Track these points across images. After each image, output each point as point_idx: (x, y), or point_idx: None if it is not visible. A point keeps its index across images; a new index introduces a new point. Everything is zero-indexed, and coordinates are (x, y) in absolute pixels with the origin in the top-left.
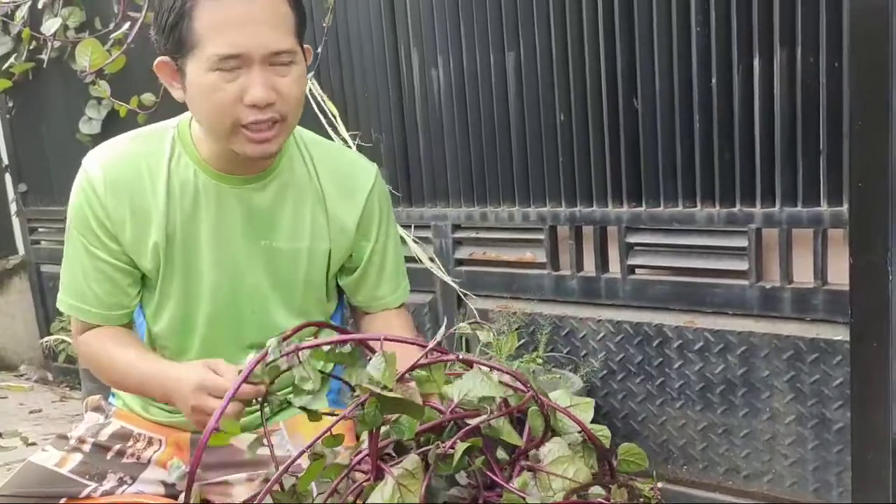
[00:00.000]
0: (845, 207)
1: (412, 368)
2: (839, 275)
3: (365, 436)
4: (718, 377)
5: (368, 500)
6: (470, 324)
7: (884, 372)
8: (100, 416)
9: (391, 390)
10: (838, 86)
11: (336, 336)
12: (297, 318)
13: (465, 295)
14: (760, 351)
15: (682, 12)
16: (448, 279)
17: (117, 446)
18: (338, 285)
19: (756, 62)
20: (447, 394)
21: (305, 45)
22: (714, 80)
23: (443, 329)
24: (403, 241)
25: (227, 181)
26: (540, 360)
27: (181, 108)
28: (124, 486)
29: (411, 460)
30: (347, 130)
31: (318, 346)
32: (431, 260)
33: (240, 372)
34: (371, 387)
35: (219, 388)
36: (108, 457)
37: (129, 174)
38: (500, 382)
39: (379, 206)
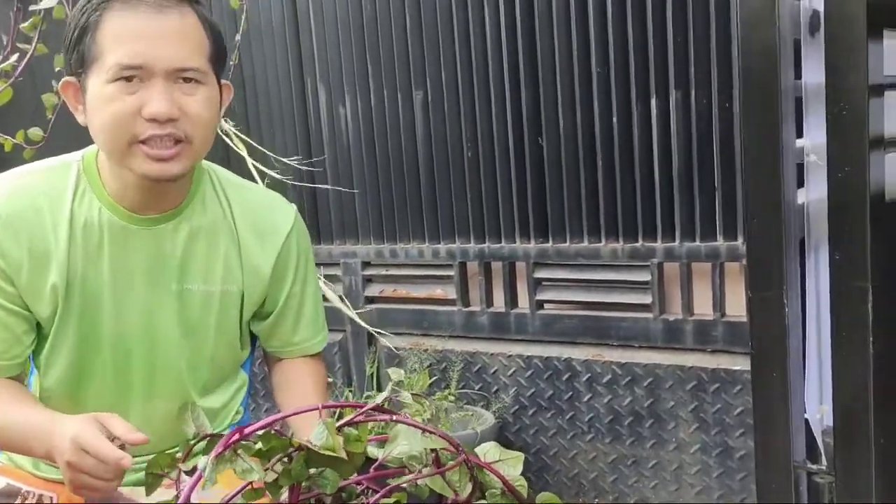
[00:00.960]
0: (740, 241)
1: (344, 425)
2: (736, 306)
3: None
4: (626, 409)
5: None
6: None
7: (784, 401)
8: None
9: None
10: (730, 125)
11: (269, 418)
12: (207, 365)
13: (380, 334)
14: (665, 382)
15: (583, 54)
16: (359, 320)
17: None
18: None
19: (653, 102)
20: (372, 453)
21: (225, 82)
22: (615, 119)
23: (386, 392)
24: None
25: (135, 221)
26: (452, 398)
27: (71, 144)
28: None
29: None
30: (254, 166)
31: (253, 433)
32: (341, 299)
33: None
34: (301, 440)
35: (93, 447)
36: None
37: (27, 212)
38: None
39: (297, 250)
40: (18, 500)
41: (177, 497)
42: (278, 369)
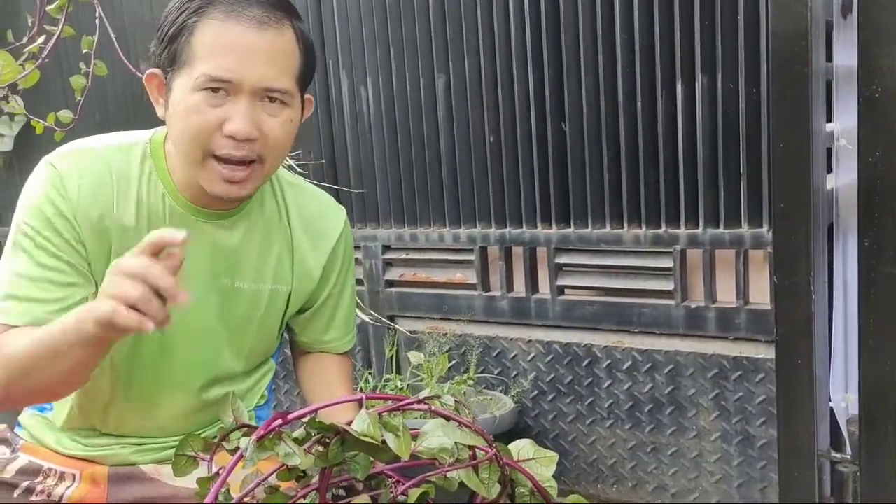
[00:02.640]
0: (765, 229)
1: (384, 412)
2: (759, 294)
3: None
4: (646, 396)
5: None
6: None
7: (809, 390)
8: (5, 449)
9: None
10: (757, 111)
11: (308, 408)
12: (244, 359)
13: (392, 319)
14: (686, 369)
15: (608, 38)
16: (367, 318)
17: (25, 483)
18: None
19: (679, 87)
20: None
21: (307, 96)
22: (639, 105)
23: (426, 391)
24: None
25: (196, 213)
26: (471, 382)
27: (101, 127)
28: None
29: (360, 500)
30: None
31: (296, 419)
32: (358, 305)
33: None
34: (341, 425)
35: (127, 265)
36: (15, 494)
37: (98, 189)
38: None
39: (343, 254)
40: (40, 478)
41: (217, 475)
42: (307, 362)
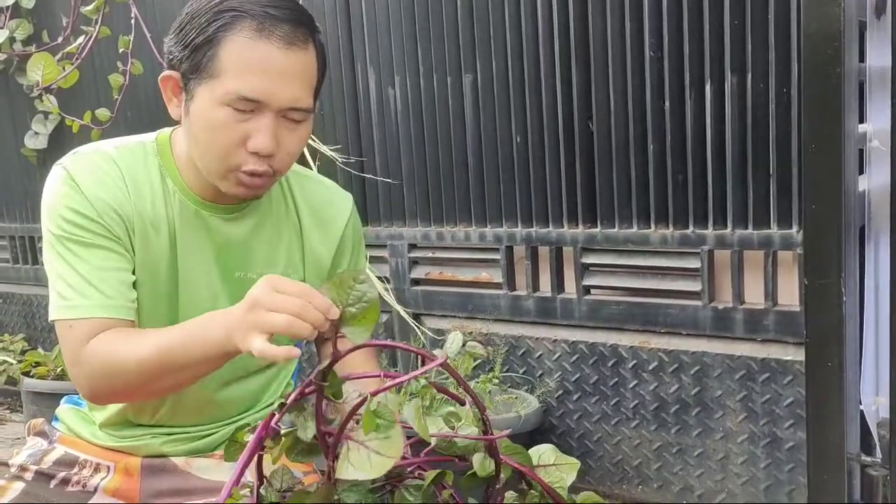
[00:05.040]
0: (795, 230)
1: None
2: (788, 296)
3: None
4: (672, 397)
5: None
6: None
7: (839, 392)
8: (43, 441)
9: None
10: (787, 111)
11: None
12: None
13: (418, 317)
14: (713, 371)
15: (636, 37)
16: (399, 308)
17: (62, 474)
18: None
19: (708, 87)
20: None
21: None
22: (667, 104)
23: (469, 395)
24: None
25: (206, 208)
26: (496, 381)
27: (134, 124)
28: None
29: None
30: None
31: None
32: (385, 286)
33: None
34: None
35: (285, 285)
36: (52, 485)
37: (111, 183)
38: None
39: (353, 239)
40: (76, 469)
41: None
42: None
